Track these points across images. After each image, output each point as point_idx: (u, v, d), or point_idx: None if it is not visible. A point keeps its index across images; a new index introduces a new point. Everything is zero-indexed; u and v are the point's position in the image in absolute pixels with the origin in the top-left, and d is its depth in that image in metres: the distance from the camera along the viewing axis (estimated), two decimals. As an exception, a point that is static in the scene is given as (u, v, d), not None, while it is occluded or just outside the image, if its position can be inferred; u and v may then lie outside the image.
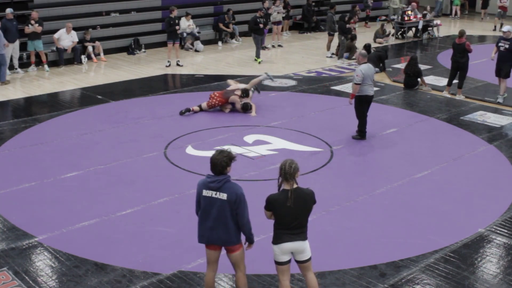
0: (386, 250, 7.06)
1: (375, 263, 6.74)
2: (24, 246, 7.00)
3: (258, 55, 17.42)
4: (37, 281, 6.31)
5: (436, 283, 6.40)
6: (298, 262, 5.55)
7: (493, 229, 7.59)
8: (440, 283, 6.40)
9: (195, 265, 6.61)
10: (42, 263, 6.67)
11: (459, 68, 13.50)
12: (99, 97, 13.38)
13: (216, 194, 5.35)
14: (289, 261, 5.52)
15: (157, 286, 6.23)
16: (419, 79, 14.43)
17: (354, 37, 18.02)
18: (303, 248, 5.45)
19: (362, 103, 10.57)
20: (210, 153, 9.68)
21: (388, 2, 24.48)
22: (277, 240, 5.43)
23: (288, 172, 5.27)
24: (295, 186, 5.33)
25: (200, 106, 12.37)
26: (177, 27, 16.21)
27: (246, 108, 12.32)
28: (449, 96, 13.90)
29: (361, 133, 10.81)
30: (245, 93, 12.47)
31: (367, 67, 10.44)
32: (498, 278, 6.53)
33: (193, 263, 6.65)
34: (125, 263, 6.66)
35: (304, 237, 5.44)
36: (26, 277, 6.36)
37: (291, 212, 5.32)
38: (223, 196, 5.32)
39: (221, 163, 5.32)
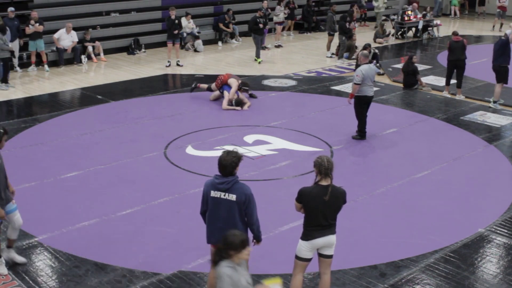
0: (386, 250, 7.07)
1: (375, 263, 6.75)
2: (24, 246, 6.99)
3: (258, 55, 17.41)
4: (37, 281, 6.31)
5: (436, 283, 6.40)
6: (323, 256, 5.61)
7: (493, 229, 7.59)
8: (440, 283, 6.40)
9: (195, 265, 6.61)
10: (42, 263, 6.68)
11: (457, 66, 13.46)
12: (99, 97, 13.38)
13: (225, 195, 5.34)
14: (310, 259, 5.60)
15: (157, 286, 6.23)
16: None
17: (351, 36, 17.92)
18: (333, 241, 5.55)
19: (361, 104, 10.57)
20: (210, 153, 9.88)
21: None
22: (307, 237, 5.49)
23: (328, 168, 5.40)
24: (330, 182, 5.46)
25: (209, 86, 13.06)
26: (175, 32, 16.18)
27: (238, 103, 12.53)
28: (449, 96, 13.89)
29: (361, 133, 10.81)
30: (245, 86, 12.94)
31: (367, 68, 10.43)
32: (498, 278, 6.53)
33: (193, 263, 6.65)
34: (125, 263, 6.66)
35: (334, 231, 5.54)
36: (26, 277, 6.36)
37: (323, 207, 5.39)
38: (232, 197, 5.32)
39: (231, 164, 5.29)
